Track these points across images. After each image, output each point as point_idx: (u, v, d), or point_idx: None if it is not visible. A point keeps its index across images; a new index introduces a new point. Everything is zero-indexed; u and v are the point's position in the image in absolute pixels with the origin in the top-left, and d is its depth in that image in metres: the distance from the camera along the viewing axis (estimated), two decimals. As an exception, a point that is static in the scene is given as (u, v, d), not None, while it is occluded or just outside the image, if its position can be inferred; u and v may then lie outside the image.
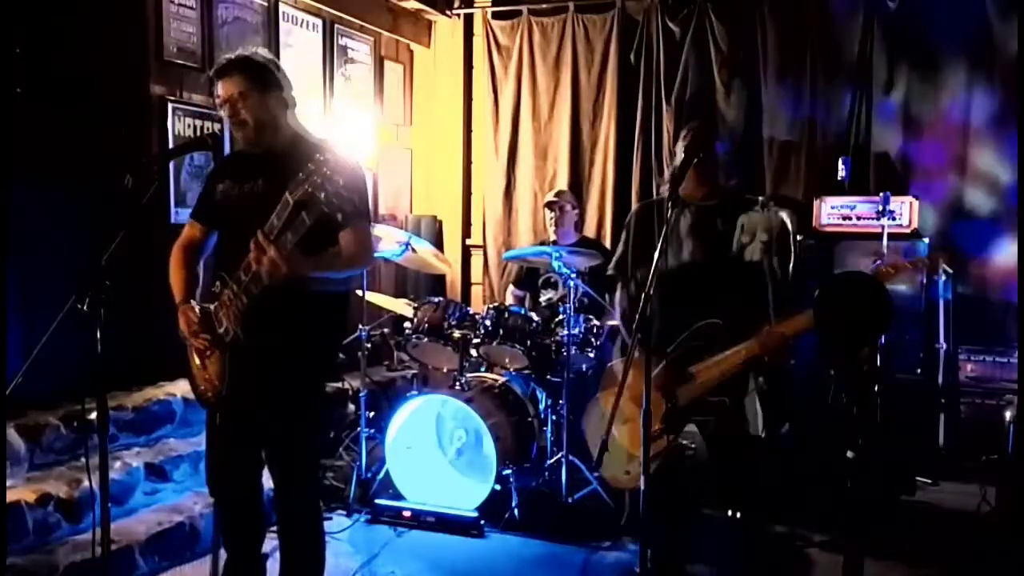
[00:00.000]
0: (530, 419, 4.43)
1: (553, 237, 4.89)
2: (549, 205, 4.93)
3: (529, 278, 5.08)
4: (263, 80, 2.72)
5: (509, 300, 5.13)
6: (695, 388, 2.93)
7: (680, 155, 2.93)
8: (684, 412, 2.95)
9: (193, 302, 2.76)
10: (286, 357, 2.67)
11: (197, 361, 2.79)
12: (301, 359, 2.70)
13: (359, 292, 4.40)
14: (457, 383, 4.29)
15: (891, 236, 4.69)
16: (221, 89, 2.73)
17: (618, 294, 3.23)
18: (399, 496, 4.19)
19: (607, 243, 5.78)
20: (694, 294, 2.94)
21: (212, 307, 2.68)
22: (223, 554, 2.98)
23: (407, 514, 4.08)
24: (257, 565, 2.96)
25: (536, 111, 6.22)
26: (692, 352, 2.96)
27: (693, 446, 3.26)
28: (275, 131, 2.75)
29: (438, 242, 6.32)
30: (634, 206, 2.85)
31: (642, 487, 2.55)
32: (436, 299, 4.57)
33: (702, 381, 2.93)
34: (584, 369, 4.48)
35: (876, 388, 4.36)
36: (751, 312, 2.89)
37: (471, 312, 4.47)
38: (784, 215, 3.49)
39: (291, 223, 2.39)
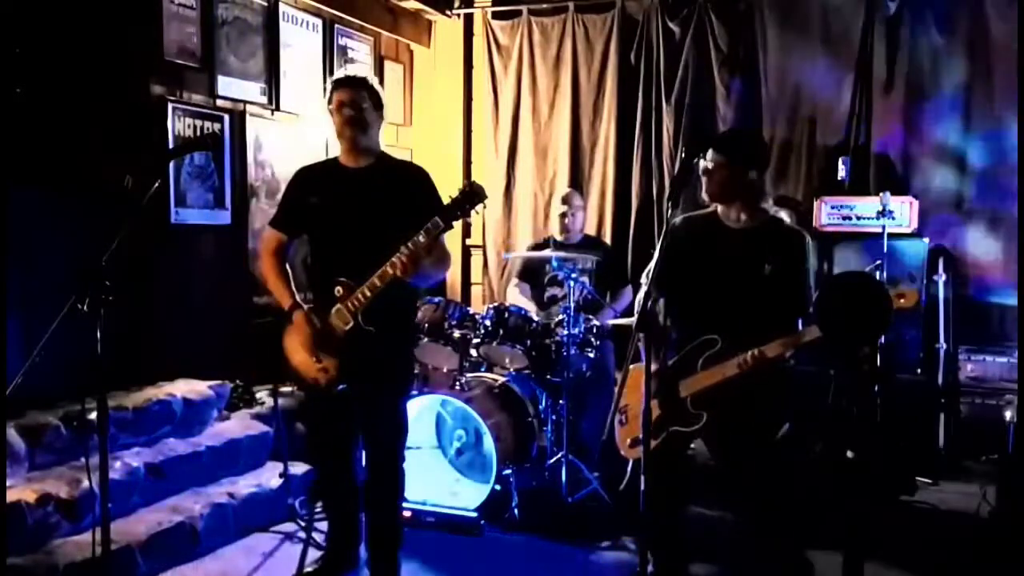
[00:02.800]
0: (530, 419, 4.43)
1: (560, 237, 4.88)
2: (564, 203, 4.92)
3: (532, 274, 5.06)
4: (378, 100, 3.21)
5: (511, 293, 5.09)
6: (679, 393, 2.98)
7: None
8: (667, 419, 2.96)
9: (311, 309, 3.12)
10: (397, 339, 3.20)
11: (306, 356, 3.11)
12: (406, 340, 3.35)
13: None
14: (457, 383, 4.29)
15: (891, 236, 4.69)
16: (343, 94, 3.13)
17: (639, 296, 3.24)
18: (399, 496, 4.19)
19: (607, 241, 5.78)
20: (717, 316, 2.98)
21: (336, 308, 3.04)
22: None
23: (407, 514, 4.07)
24: (356, 532, 3.40)
25: (536, 111, 6.23)
26: (686, 366, 2.99)
27: (692, 446, 3.26)
28: (372, 148, 3.23)
29: (438, 242, 6.31)
30: (675, 216, 2.84)
31: (642, 487, 2.55)
32: (436, 299, 4.57)
33: (686, 393, 2.97)
34: (584, 369, 4.48)
35: (876, 388, 4.36)
36: (769, 331, 2.91)
37: (471, 312, 4.47)
38: (784, 215, 3.48)
39: (431, 240, 2.91)
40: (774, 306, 2.94)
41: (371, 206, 3.11)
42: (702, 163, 3.00)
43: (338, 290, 3.04)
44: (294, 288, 3.21)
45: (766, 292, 2.93)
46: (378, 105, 3.22)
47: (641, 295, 3.17)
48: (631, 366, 2.90)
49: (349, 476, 3.37)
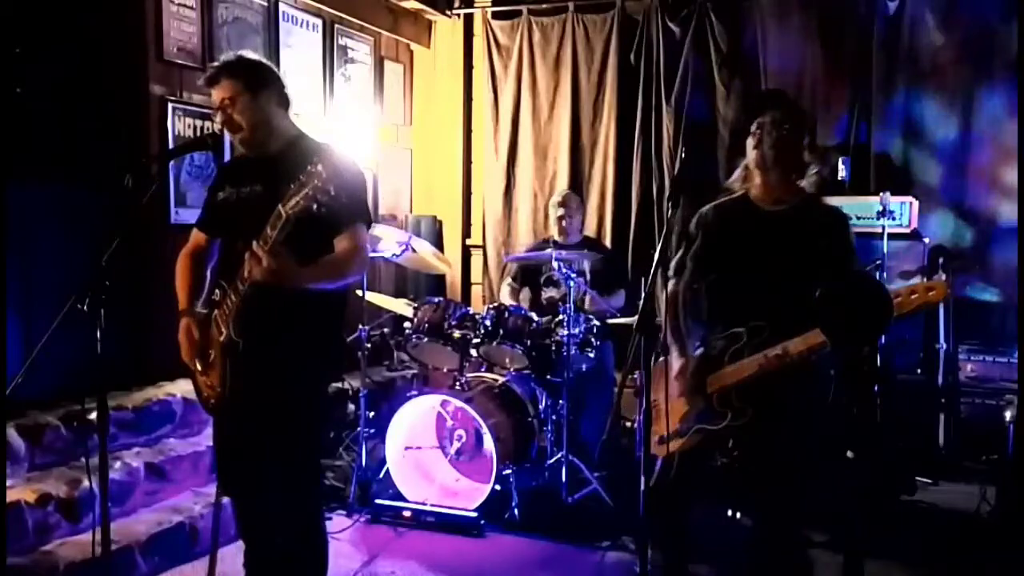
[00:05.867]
0: (530, 419, 4.43)
1: (558, 237, 4.88)
2: (560, 206, 4.90)
3: (530, 275, 5.07)
4: (253, 81, 2.73)
5: (504, 293, 5.10)
6: (705, 391, 2.87)
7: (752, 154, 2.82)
8: (695, 417, 2.88)
9: (197, 313, 2.79)
10: (284, 359, 2.69)
11: (199, 367, 2.80)
12: (299, 360, 2.72)
13: (359, 292, 4.41)
14: (457, 383, 4.29)
15: (891, 236, 4.69)
16: (213, 95, 2.75)
17: (669, 288, 3.06)
18: (399, 496, 4.19)
19: (607, 243, 5.79)
20: (759, 306, 2.83)
21: (214, 314, 2.70)
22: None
23: (407, 514, 4.08)
24: (274, 554, 2.92)
25: (536, 111, 6.22)
26: (713, 359, 2.88)
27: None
28: (269, 132, 2.76)
29: (438, 242, 6.32)
30: (675, 216, 2.68)
31: (642, 487, 2.54)
32: (436, 299, 4.57)
33: (712, 389, 2.86)
34: (584, 369, 4.49)
35: (876, 388, 4.36)
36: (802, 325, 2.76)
37: (471, 312, 4.46)
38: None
39: (285, 234, 2.41)
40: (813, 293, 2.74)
41: (269, 197, 2.60)
42: (760, 121, 2.81)
43: (216, 293, 2.69)
44: (198, 294, 2.83)
45: (812, 278, 2.71)
46: (257, 85, 2.72)
47: (670, 286, 3.04)
48: (660, 360, 2.84)
49: (260, 513, 2.87)
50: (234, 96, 2.69)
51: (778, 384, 2.80)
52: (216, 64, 2.79)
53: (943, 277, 4.90)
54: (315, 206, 2.32)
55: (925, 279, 4.79)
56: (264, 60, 2.86)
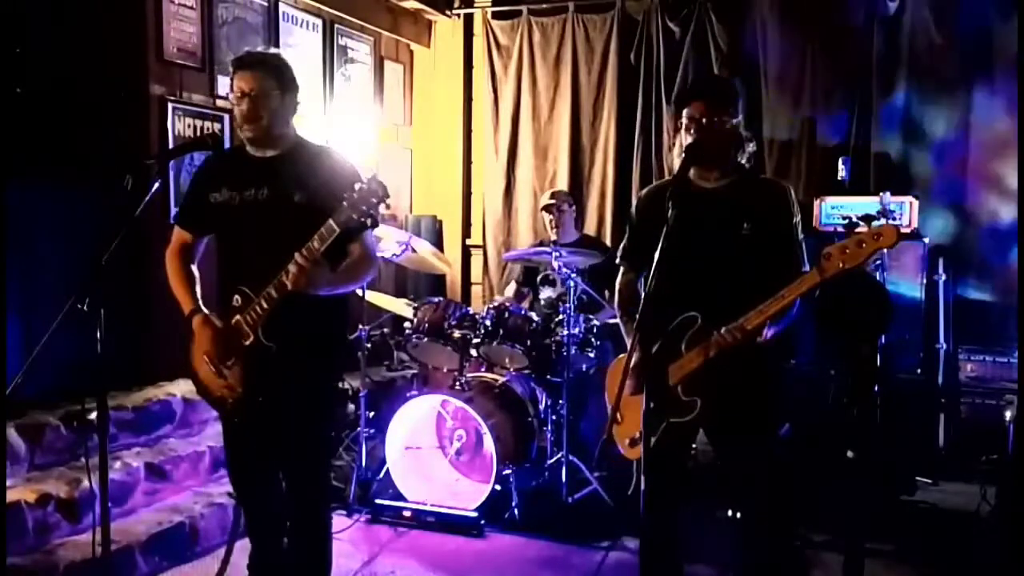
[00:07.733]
0: (530, 419, 4.43)
1: (554, 237, 4.87)
2: (547, 208, 4.91)
3: (529, 277, 5.09)
4: (286, 81, 2.76)
5: (508, 293, 5.11)
6: (669, 380, 2.73)
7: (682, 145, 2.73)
8: (661, 413, 2.71)
9: (212, 315, 2.78)
10: (311, 360, 2.77)
11: (211, 369, 2.79)
12: (321, 361, 2.82)
13: (359, 292, 4.41)
14: (457, 383, 4.29)
15: (891, 236, 4.67)
16: (242, 82, 2.72)
17: (618, 280, 3.04)
18: (399, 496, 4.19)
19: (607, 242, 5.79)
20: (696, 289, 2.74)
21: (235, 319, 2.71)
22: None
23: (407, 514, 4.09)
24: (279, 555, 2.99)
25: (536, 111, 6.23)
26: (670, 349, 2.74)
27: (695, 447, 3.24)
28: (281, 132, 2.78)
29: (438, 242, 6.32)
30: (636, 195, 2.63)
31: (642, 487, 2.54)
32: (436, 299, 4.57)
33: (675, 380, 2.73)
34: (584, 369, 4.49)
35: (876, 388, 4.36)
36: (758, 299, 2.63)
37: (471, 312, 4.46)
38: None
39: (329, 246, 2.53)
40: (760, 270, 2.69)
41: (276, 201, 2.70)
42: (684, 118, 2.74)
43: (236, 299, 2.70)
44: (198, 293, 2.84)
45: (748, 256, 2.70)
46: (287, 86, 2.75)
47: (619, 280, 3.03)
48: (613, 361, 2.78)
49: (272, 513, 2.97)
50: (265, 90, 2.70)
51: (738, 364, 2.68)
52: (252, 51, 2.81)
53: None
54: (368, 220, 2.50)
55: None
56: (291, 64, 2.87)
